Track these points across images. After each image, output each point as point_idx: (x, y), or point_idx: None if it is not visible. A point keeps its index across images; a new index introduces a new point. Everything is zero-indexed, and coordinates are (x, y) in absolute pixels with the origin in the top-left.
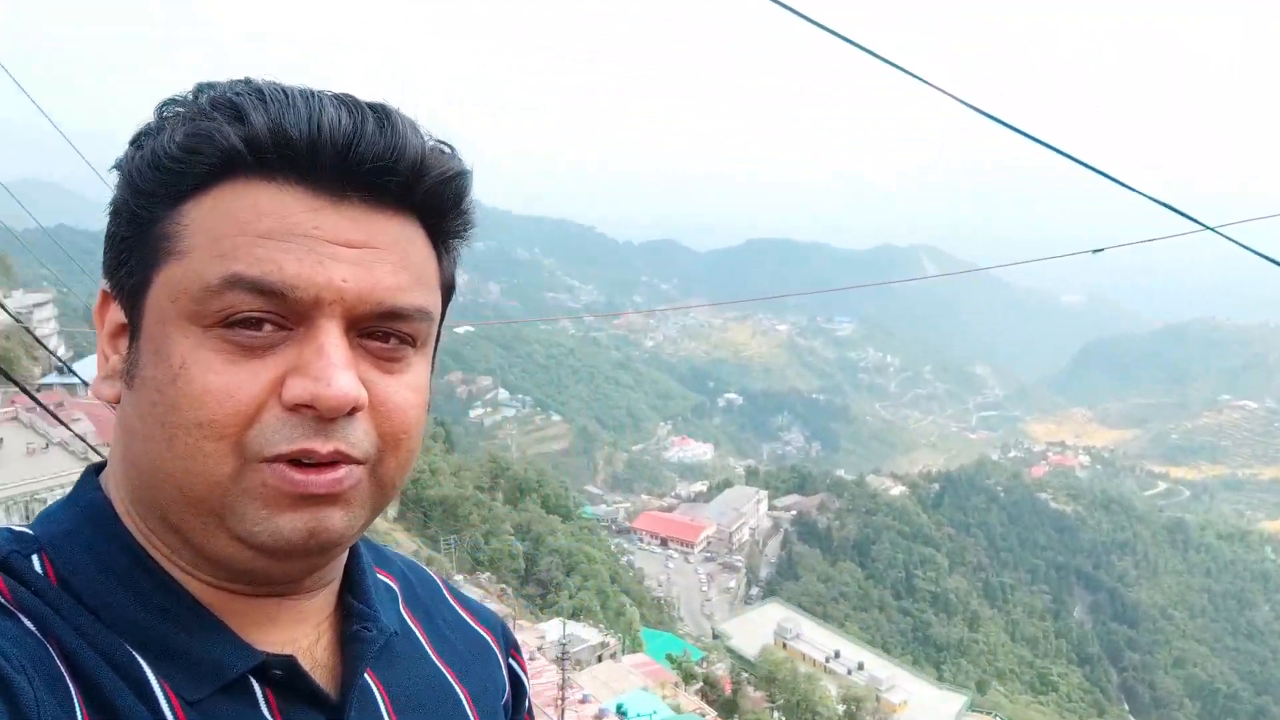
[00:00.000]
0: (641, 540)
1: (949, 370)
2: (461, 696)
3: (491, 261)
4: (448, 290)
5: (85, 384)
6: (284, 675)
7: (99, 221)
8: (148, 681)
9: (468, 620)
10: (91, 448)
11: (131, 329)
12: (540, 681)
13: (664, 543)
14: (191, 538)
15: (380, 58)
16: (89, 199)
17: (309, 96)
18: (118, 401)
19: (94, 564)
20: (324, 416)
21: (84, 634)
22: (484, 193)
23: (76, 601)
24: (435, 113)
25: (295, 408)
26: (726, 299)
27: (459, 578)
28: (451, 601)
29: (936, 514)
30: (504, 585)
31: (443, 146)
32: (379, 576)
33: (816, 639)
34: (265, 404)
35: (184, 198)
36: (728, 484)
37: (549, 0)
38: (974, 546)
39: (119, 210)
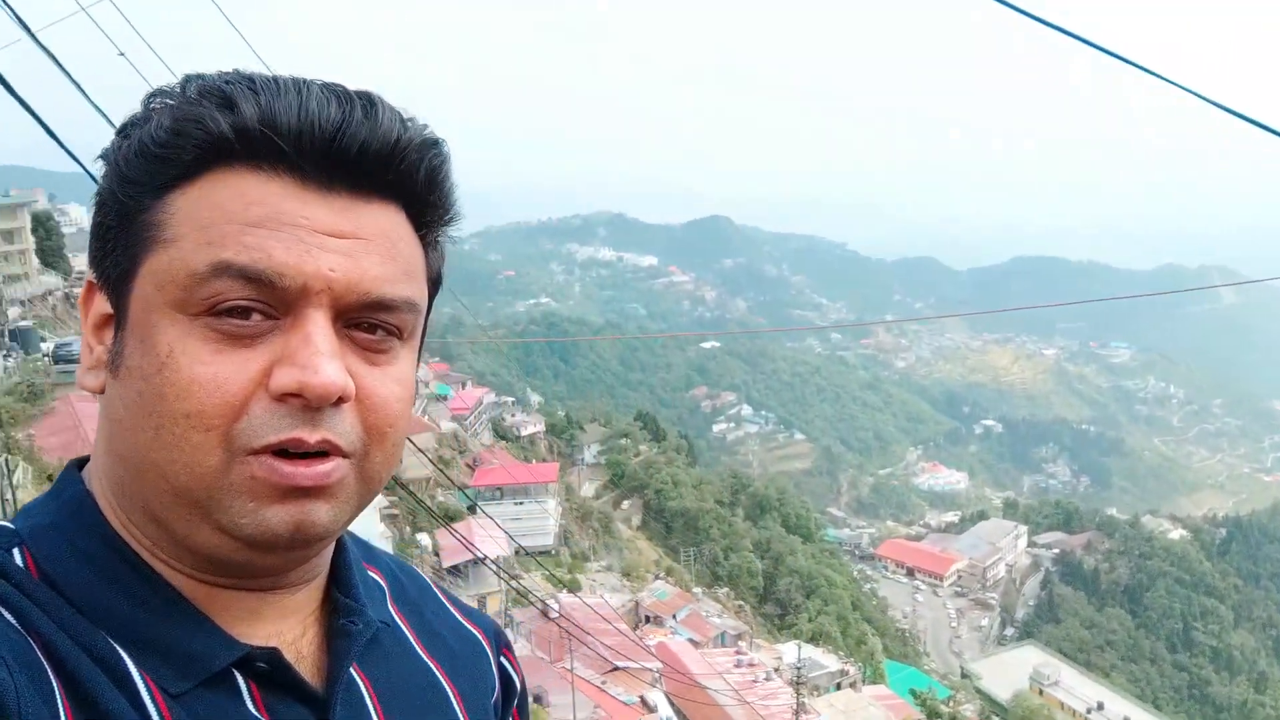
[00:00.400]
0: (886, 568)
1: (1243, 404)
2: (450, 692)
3: (739, 278)
4: (434, 284)
5: None
6: (268, 668)
7: None
8: (130, 674)
9: (459, 619)
10: None
11: (117, 319)
12: (775, 704)
13: (910, 573)
14: (175, 529)
15: (634, 76)
16: None
17: (299, 86)
18: (102, 392)
19: (75, 557)
20: (311, 405)
21: (65, 627)
22: (734, 212)
23: (58, 595)
24: (695, 137)
25: (283, 397)
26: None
27: (697, 590)
28: (443, 600)
29: (1222, 562)
30: (742, 602)
31: (427, 135)
32: (368, 573)
33: (1077, 688)
34: (253, 395)
35: (171, 186)
36: (983, 516)
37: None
38: (1265, 600)
39: (105, 200)
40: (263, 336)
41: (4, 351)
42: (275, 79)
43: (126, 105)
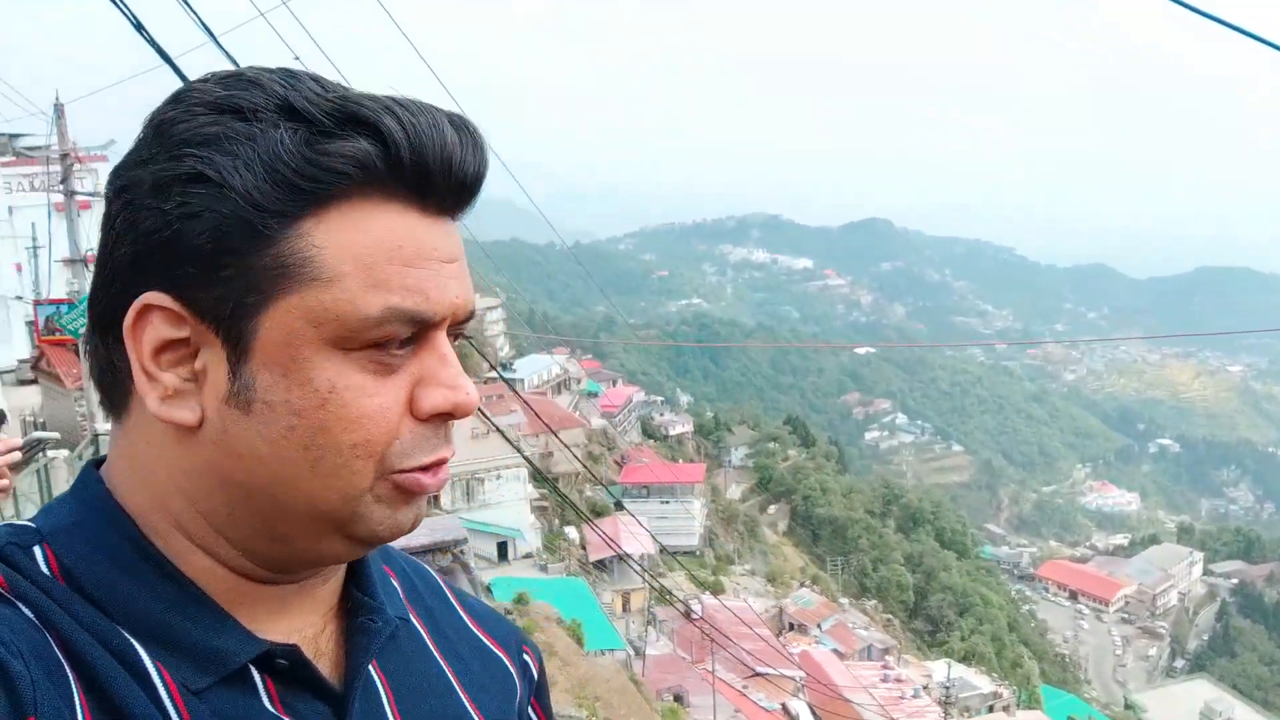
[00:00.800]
0: (1047, 590)
1: None
2: (460, 694)
3: (898, 282)
4: None
5: (507, 383)
6: (287, 664)
7: (544, 236)
8: (147, 671)
9: (469, 625)
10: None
11: (234, 351)
12: None
13: (1073, 596)
14: (301, 544)
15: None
16: (532, 213)
17: (426, 114)
18: (198, 426)
19: (97, 554)
20: (456, 420)
21: (84, 623)
22: (894, 215)
23: (78, 592)
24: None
25: (430, 417)
26: (1168, 332)
27: (843, 601)
28: (454, 603)
29: None
30: (890, 615)
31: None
32: (383, 570)
33: None
34: (404, 417)
35: (305, 214)
36: (1154, 540)
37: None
38: None
39: (211, 222)
40: (402, 362)
41: None
42: (400, 102)
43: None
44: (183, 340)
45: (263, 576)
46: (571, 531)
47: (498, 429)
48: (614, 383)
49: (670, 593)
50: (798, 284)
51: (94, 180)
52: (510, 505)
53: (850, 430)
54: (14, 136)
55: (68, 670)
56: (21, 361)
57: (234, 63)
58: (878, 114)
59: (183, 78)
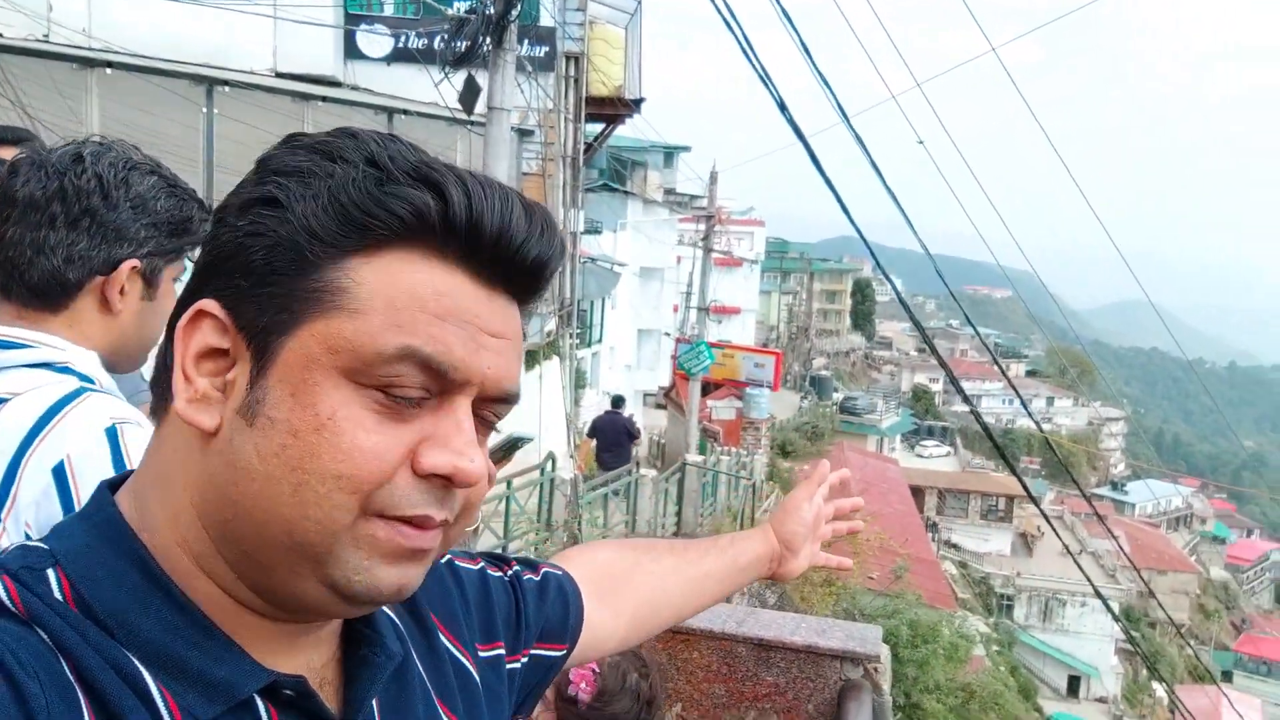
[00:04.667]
0: None
1: None
2: None
3: None
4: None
5: (1088, 500)
6: (293, 695)
7: (1193, 350)
8: (154, 699)
9: (454, 650)
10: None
11: (256, 365)
12: None
13: None
14: (279, 577)
15: None
16: (1186, 324)
17: (498, 189)
18: (215, 432)
19: (109, 580)
20: (454, 487)
21: (96, 648)
22: None
23: (89, 617)
24: None
25: (429, 476)
26: None
27: None
28: (440, 632)
29: None
30: None
31: (563, 246)
32: (382, 608)
33: None
34: (400, 466)
35: (356, 251)
36: None
37: None
38: None
39: (270, 242)
40: (415, 414)
41: (803, 394)
42: (472, 173)
43: (919, 192)
44: (224, 350)
45: (263, 610)
46: (1160, 689)
47: (1070, 552)
48: (1249, 533)
49: None
50: None
51: (750, 242)
52: (1092, 639)
53: None
54: (694, 197)
55: (79, 694)
56: (660, 388)
57: (860, 143)
58: None
59: (812, 156)
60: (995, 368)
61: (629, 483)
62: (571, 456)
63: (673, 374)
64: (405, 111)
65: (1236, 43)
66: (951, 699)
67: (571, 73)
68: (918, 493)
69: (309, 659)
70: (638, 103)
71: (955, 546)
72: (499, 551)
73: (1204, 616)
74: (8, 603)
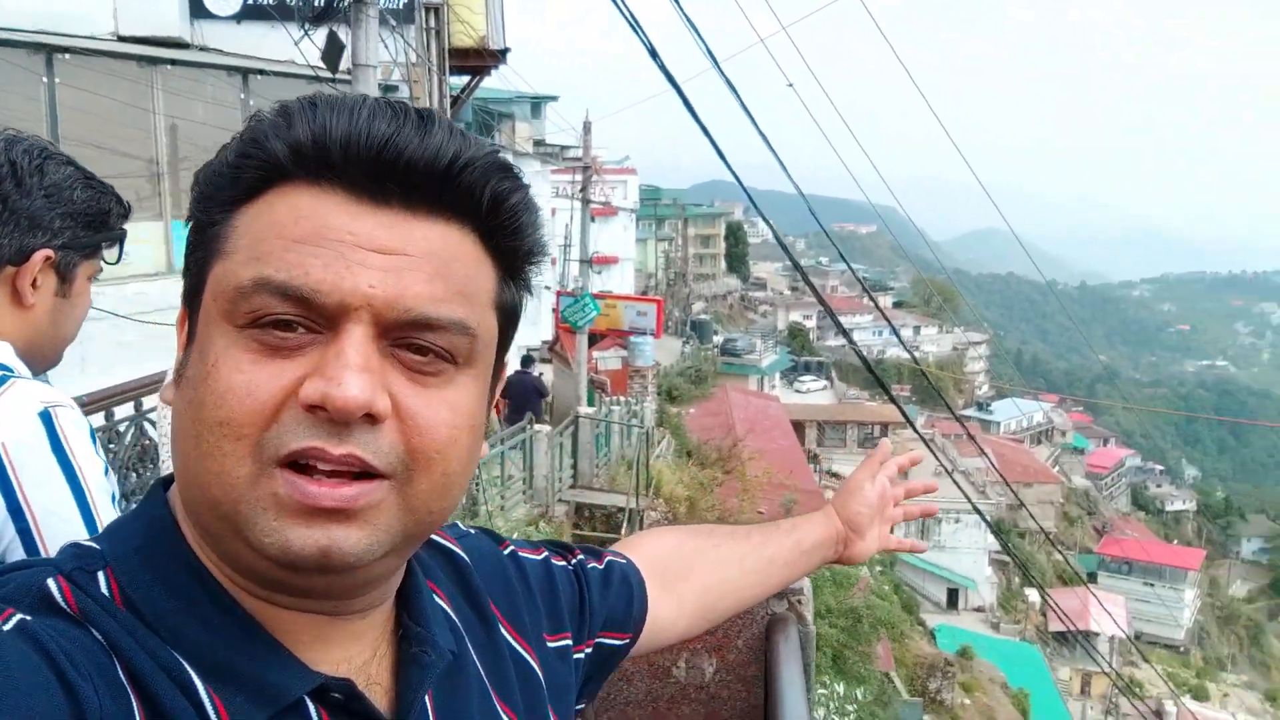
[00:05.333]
0: None
1: None
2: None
3: None
4: (507, 313)
5: (960, 422)
6: (341, 698)
7: (1047, 273)
8: (203, 702)
9: (512, 642)
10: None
11: (189, 332)
12: None
13: None
14: (220, 544)
15: None
16: (1040, 249)
17: (355, 102)
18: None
19: (157, 582)
20: (335, 419)
21: (148, 650)
22: None
23: (139, 619)
24: None
25: (311, 409)
26: None
27: None
28: (499, 620)
29: None
30: None
31: (493, 157)
32: (436, 599)
33: None
34: (285, 404)
35: (240, 203)
36: None
37: None
38: None
39: (190, 219)
40: (304, 349)
41: (684, 339)
42: (343, 98)
43: (791, 131)
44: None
45: (275, 600)
46: (1033, 594)
47: (948, 471)
48: (1105, 442)
49: (1140, 687)
50: None
51: (623, 191)
52: (967, 553)
53: None
54: (565, 148)
55: (131, 695)
56: (544, 342)
57: (732, 88)
58: None
59: (686, 102)
60: (864, 301)
61: (524, 439)
62: None
63: (555, 327)
64: (262, 72)
65: None
66: (843, 621)
67: (432, 24)
68: (799, 427)
69: (347, 654)
70: (503, 53)
71: (837, 475)
72: (564, 540)
73: (1069, 523)
74: (61, 602)
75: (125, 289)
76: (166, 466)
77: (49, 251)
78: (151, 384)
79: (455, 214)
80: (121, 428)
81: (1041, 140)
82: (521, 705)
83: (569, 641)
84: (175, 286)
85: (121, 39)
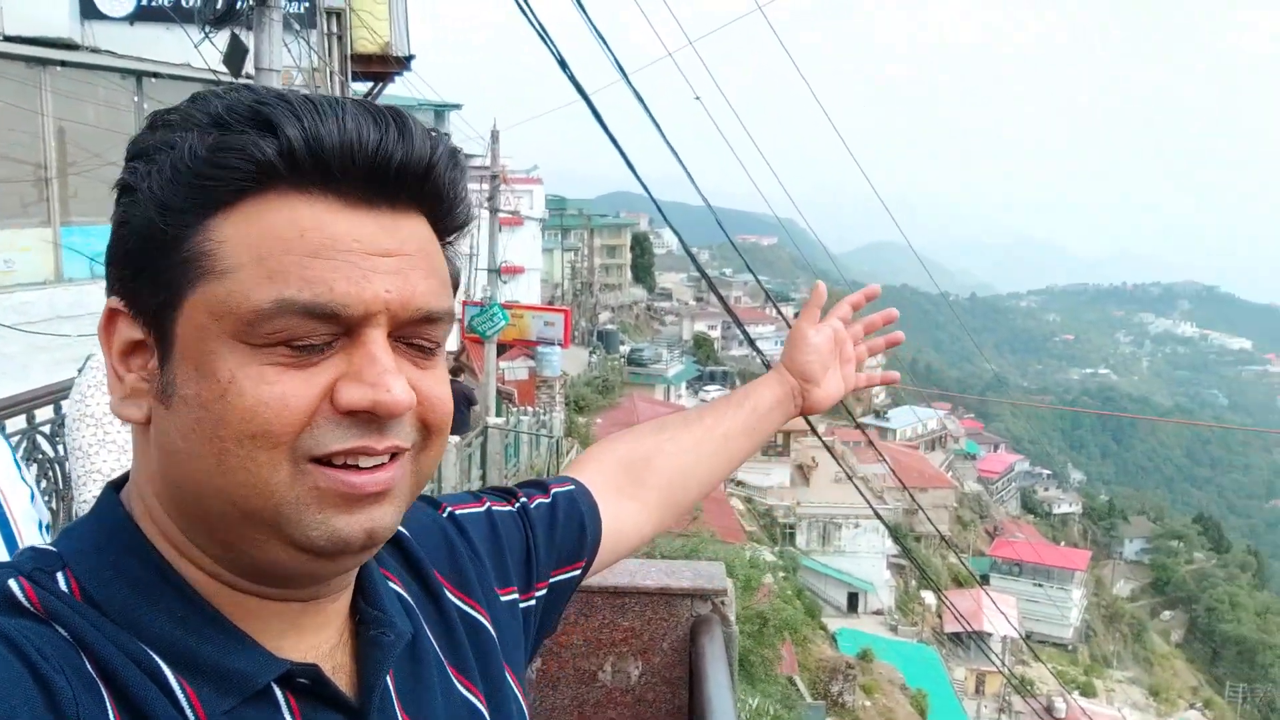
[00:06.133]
0: None
1: None
2: (474, 698)
3: None
4: (454, 286)
5: (861, 429)
6: (308, 683)
7: (941, 284)
8: (174, 690)
9: (461, 604)
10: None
11: (161, 348)
12: None
13: None
14: (246, 550)
15: None
16: (932, 260)
17: (335, 105)
18: (146, 424)
19: (118, 578)
20: (381, 420)
21: (115, 642)
22: None
23: (102, 614)
24: None
25: (350, 412)
26: None
27: None
28: (445, 587)
29: None
30: None
31: (451, 146)
32: (388, 583)
33: None
34: (317, 409)
35: (213, 213)
36: None
37: None
38: None
39: (134, 227)
40: (326, 355)
41: (591, 349)
42: (308, 97)
43: (695, 145)
44: (142, 342)
45: (258, 591)
46: (929, 597)
47: (850, 476)
48: (996, 447)
49: (1032, 685)
50: (1230, 366)
51: (529, 201)
52: (866, 557)
53: (1277, 541)
54: (471, 156)
55: (102, 688)
56: (450, 353)
57: (640, 100)
58: None
59: (595, 113)
60: (767, 311)
61: None
62: None
63: (462, 338)
64: (156, 75)
65: None
66: (749, 626)
67: (335, 29)
68: None
69: (316, 641)
70: (408, 60)
71: (741, 483)
72: (505, 485)
73: (962, 527)
74: (25, 602)
75: (11, 298)
76: (84, 481)
77: None
78: (49, 395)
79: (423, 206)
80: (13, 441)
81: (935, 152)
82: (476, 671)
83: (515, 596)
84: (64, 296)
85: (7, 39)
